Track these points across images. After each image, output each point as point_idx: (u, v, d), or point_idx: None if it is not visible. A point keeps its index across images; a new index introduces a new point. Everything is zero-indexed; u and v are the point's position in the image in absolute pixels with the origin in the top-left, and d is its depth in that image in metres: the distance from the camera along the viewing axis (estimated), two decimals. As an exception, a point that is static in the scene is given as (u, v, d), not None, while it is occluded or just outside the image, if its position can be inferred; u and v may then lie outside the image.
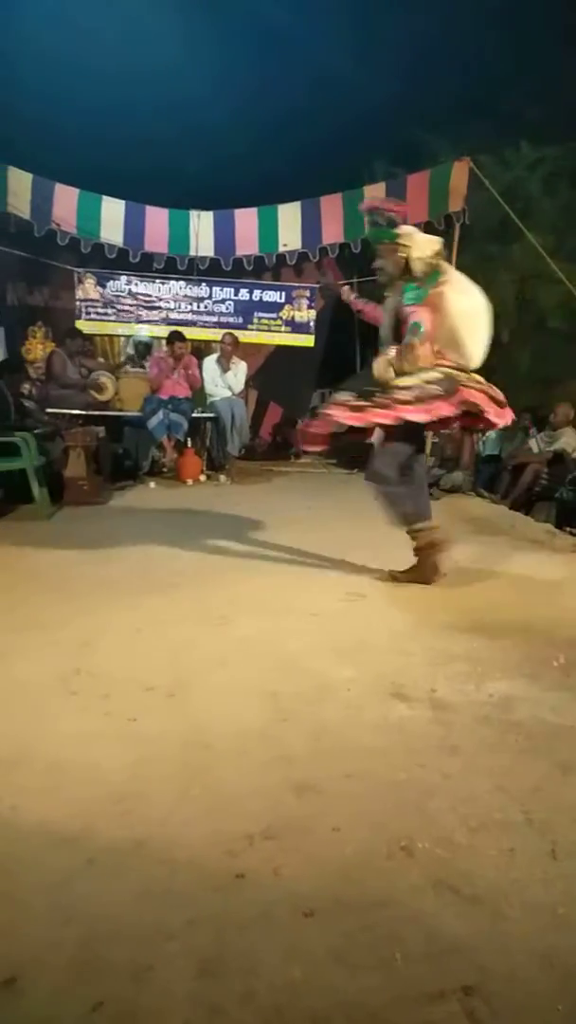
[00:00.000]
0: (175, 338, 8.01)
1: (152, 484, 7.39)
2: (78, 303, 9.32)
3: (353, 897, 1.45)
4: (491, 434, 8.02)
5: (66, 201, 8.60)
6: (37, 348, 8.92)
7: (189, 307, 9.60)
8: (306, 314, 9.84)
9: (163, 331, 9.09)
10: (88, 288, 9.34)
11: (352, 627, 3.04)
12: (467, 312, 3.59)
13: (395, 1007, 1.21)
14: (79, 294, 9.33)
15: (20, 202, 8.28)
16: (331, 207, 9.01)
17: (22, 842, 1.59)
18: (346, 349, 10.99)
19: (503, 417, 3.63)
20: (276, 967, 1.28)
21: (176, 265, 9.28)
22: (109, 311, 9.43)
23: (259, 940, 1.34)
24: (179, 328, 8.68)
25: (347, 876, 1.51)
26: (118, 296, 9.41)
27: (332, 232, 9.02)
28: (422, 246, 3.62)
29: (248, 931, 1.36)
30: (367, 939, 1.35)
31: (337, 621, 3.12)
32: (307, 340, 9.89)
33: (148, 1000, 1.21)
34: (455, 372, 3.54)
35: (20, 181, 8.28)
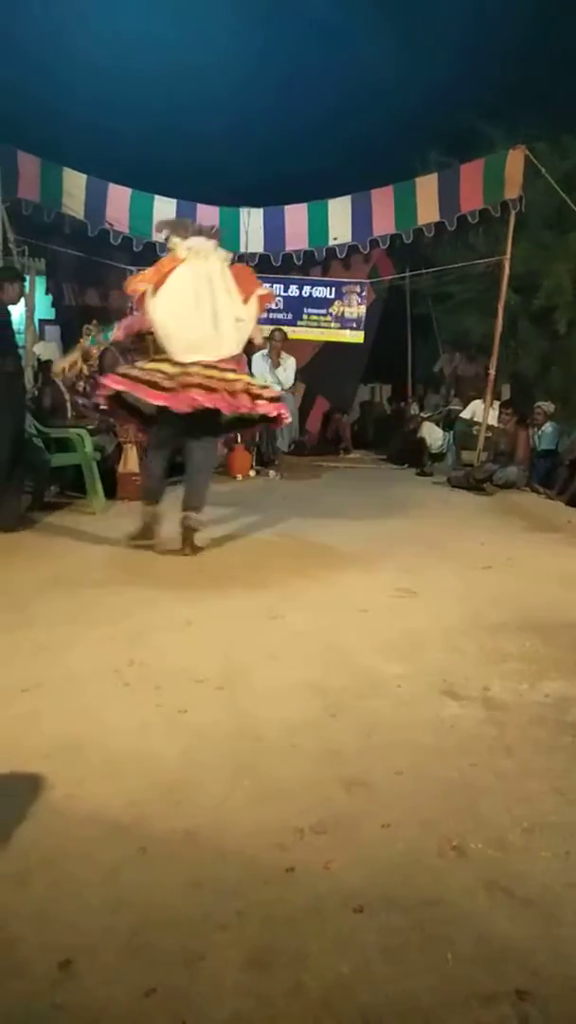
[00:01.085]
0: None
1: (202, 479, 7.45)
2: (131, 301, 9.46)
3: (403, 895, 1.44)
4: (547, 428, 7.84)
5: (119, 201, 8.72)
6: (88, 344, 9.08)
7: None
8: (356, 310, 9.77)
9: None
10: (140, 286, 9.48)
11: (403, 623, 3.01)
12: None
13: (446, 1008, 1.20)
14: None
15: (74, 203, 8.44)
16: (382, 199, 8.92)
17: (76, 830, 1.62)
18: (397, 343, 10.89)
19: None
20: (325, 961, 1.28)
21: (226, 262, 9.32)
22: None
23: (308, 934, 1.34)
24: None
25: (397, 873, 1.50)
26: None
27: (383, 224, 8.93)
28: None
29: (297, 924, 1.36)
30: (418, 938, 1.33)
31: (388, 617, 3.10)
32: (356, 336, 9.82)
33: (199, 988, 1.22)
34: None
35: (75, 182, 8.43)
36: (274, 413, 4.12)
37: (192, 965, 1.27)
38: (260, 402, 4.05)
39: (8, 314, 5.00)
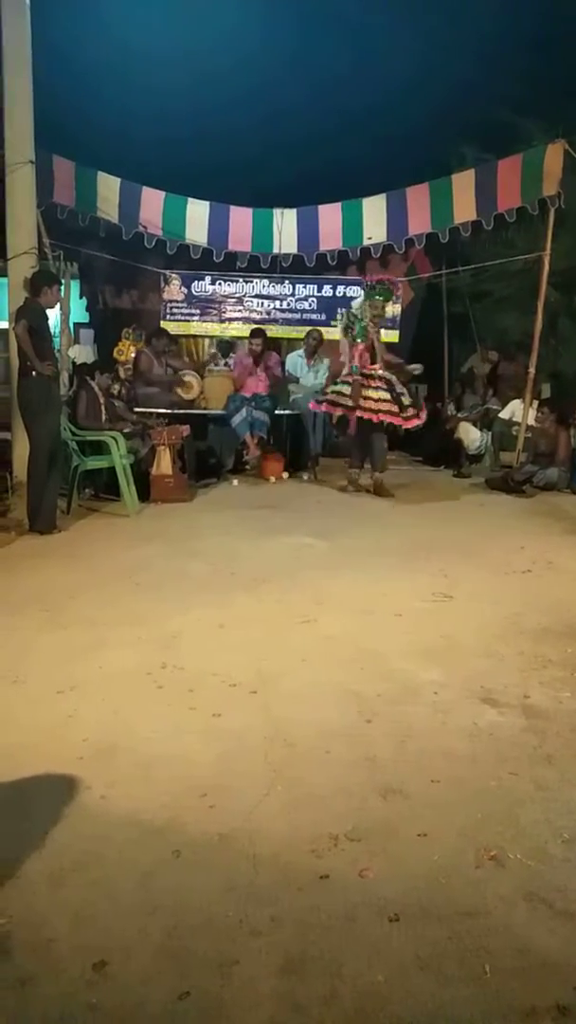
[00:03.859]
0: (254, 335, 8.07)
1: (235, 482, 7.46)
2: (163, 304, 9.53)
3: (440, 905, 1.42)
4: (588, 428, 7.67)
5: (153, 204, 8.78)
6: (129, 350, 9.16)
7: (272, 305, 9.65)
8: (391, 309, 9.68)
9: (246, 329, 9.17)
10: (173, 289, 9.53)
11: (439, 628, 2.97)
12: None
13: (484, 1021, 1.17)
14: (165, 295, 9.52)
15: (109, 206, 8.52)
16: (418, 197, 8.84)
17: (112, 831, 1.63)
18: (435, 343, 10.78)
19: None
20: (360, 970, 1.26)
21: (259, 263, 9.34)
22: (194, 311, 9.59)
23: (343, 942, 1.33)
24: (261, 326, 8.73)
25: (434, 883, 1.48)
26: (202, 296, 9.56)
27: (419, 222, 8.84)
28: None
29: (332, 932, 1.35)
30: (455, 948, 1.31)
31: (423, 621, 3.06)
32: (391, 336, 9.73)
33: (233, 993, 1.22)
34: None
35: (109, 186, 8.51)
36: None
37: (226, 969, 1.26)
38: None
39: (46, 318, 5.08)
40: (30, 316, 4.91)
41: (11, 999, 1.20)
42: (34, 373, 4.86)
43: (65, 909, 1.40)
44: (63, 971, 1.25)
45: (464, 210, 8.46)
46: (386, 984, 1.24)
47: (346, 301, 9.70)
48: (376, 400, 6.34)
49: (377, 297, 6.63)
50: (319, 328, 8.77)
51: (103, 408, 6.36)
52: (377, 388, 6.38)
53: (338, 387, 6.57)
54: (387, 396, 6.33)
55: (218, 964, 1.27)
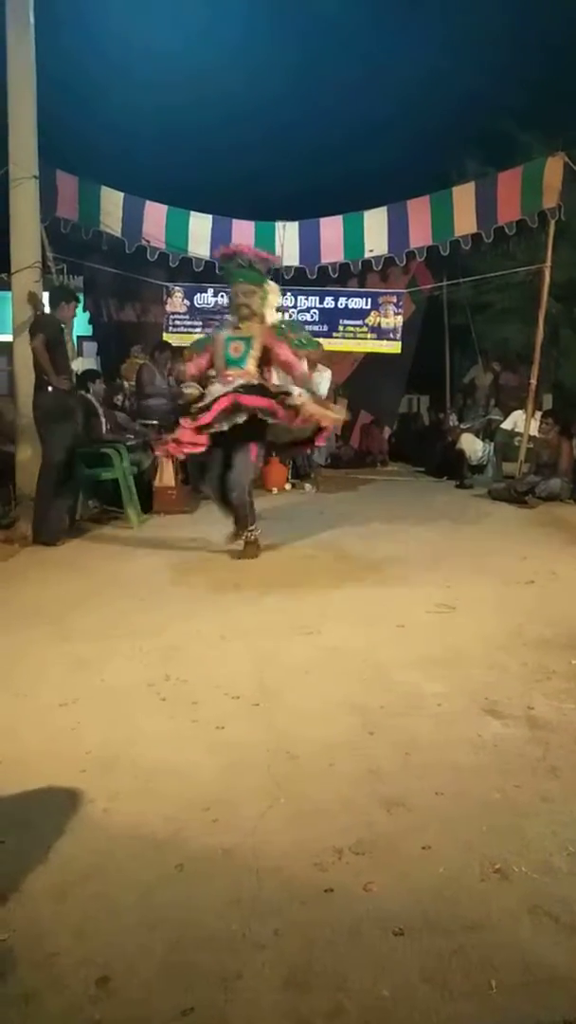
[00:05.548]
0: None
1: (238, 493, 7.48)
2: (166, 316, 9.58)
3: (445, 918, 1.41)
4: (591, 439, 7.68)
5: (155, 217, 8.86)
6: (135, 365, 9.22)
7: (274, 316, 9.70)
8: (392, 320, 9.72)
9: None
10: (176, 302, 9.59)
11: (442, 639, 2.97)
12: None
13: (490, 1037, 1.16)
14: (167, 307, 9.58)
15: (112, 220, 8.59)
16: (418, 210, 8.90)
17: (114, 845, 1.63)
18: (437, 355, 10.82)
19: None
20: (365, 984, 1.26)
21: (262, 276, 9.41)
22: (196, 323, 9.64)
23: (348, 956, 1.32)
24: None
25: (439, 896, 1.47)
26: (205, 308, 9.61)
27: (420, 235, 8.90)
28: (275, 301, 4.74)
29: (336, 946, 1.34)
30: (460, 963, 1.30)
31: (427, 633, 3.06)
32: (393, 347, 9.77)
33: (236, 1009, 1.21)
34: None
35: (112, 200, 8.59)
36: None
37: (229, 984, 1.25)
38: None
39: (63, 332, 5.11)
40: (47, 330, 4.95)
41: (14, 1015, 1.19)
42: (50, 388, 4.90)
43: (68, 923, 1.39)
44: (66, 986, 1.25)
45: (465, 223, 8.51)
46: (391, 999, 1.23)
47: (348, 313, 9.75)
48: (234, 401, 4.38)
49: (240, 280, 4.50)
50: (319, 340, 8.81)
51: (102, 418, 6.37)
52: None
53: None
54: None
55: (222, 978, 1.26)
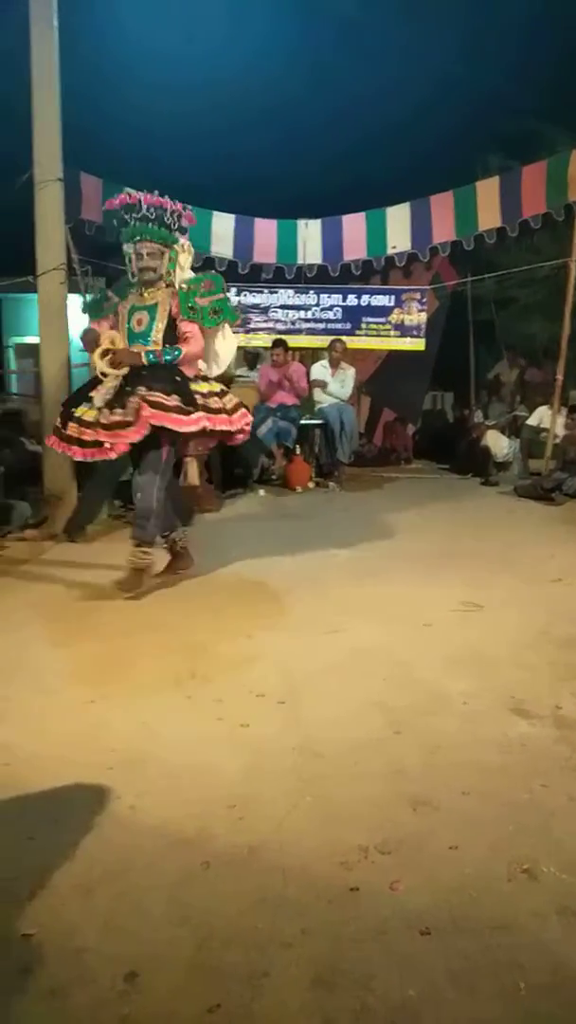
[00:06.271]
0: (275, 345, 8.13)
1: (262, 492, 7.49)
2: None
3: (472, 919, 1.40)
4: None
5: (178, 218, 8.92)
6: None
7: (297, 315, 9.69)
8: (416, 317, 9.66)
9: (271, 341, 9.24)
10: (200, 301, 9.64)
11: (468, 638, 2.94)
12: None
13: (519, 1040, 1.15)
14: (191, 308, 9.64)
15: (136, 222, 8.65)
16: (441, 205, 8.84)
17: (141, 841, 1.64)
18: (461, 351, 10.74)
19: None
20: (392, 984, 1.25)
21: (284, 274, 9.40)
22: (220, 323, 9.68)
23: (374, 955, 1.31)
24: (286, 336, 8.77)
25: (466, 896, 1.46)
26: (228, 308, 9.65)
27: (443, 231, 8.84)
28: (187, 263, 3.95)
29: (363, 945, 1.34)
30: (487, 964, 1.29)
31: (452, 631, 3.04)
32: (417, 344, 9.71)
33: (263, 1007, 1.21)
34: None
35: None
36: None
37: (256, 982, 1.26)
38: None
39: None
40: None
41: (43, 1008, 1.20)
42: None
43: (95, 919, 1.40)
44: (94, 981, 1.26)
45: (489, 217, 8.44)
46: (418, 999, 1.22)
47: (371, 310, 9.71)
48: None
49: (143, 238, 3.74)
50: (342, 338, 8.78)
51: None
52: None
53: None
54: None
55: (248, 976, 1.27)
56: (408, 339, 9.74)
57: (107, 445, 3.56)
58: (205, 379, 3.87)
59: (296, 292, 9.78)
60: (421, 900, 1.44)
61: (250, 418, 3.83)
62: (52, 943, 1.34)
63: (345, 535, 5.00)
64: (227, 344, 4.07)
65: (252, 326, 9.86)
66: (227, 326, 4.00)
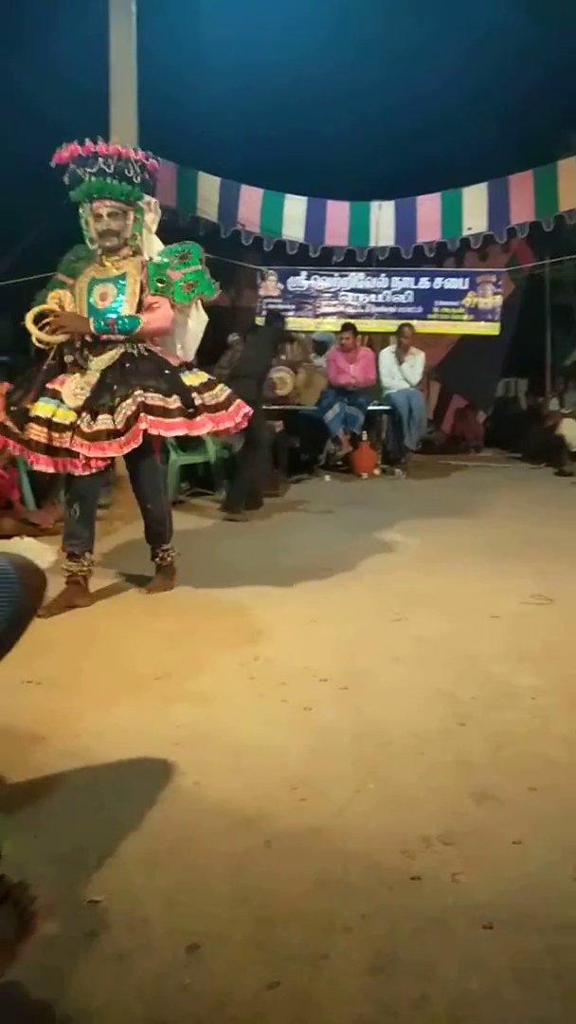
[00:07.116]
0: (344, 329, 8.07)
1: (327, 477, 7.48)
2: (260, 300, 9.64)
3: (536, 916, 1.37)
4: None
5: (251, 202, 8.92)
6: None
7: (367, 299, 9.59)
8: (491, 300, 9.41)
9: (340, 324, 9.17)
10: (269, 285, 9.63)
11: (537, 632, 2.87)
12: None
13: (582, 1042, 1.13)
14: (261, 291, 9.64)
15: (208, 206, 8.72)
16: (520, 185, 8.57)
17: (204, 818, 1.67)
18: (537, 336, 10.43)
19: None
20: (452, 975, 1.24)
21: (355, 257, 9.30)
22: (289, 307, 9.66)
23: (434, 945, 1.30)
24: (355, 320, 8.70)
25: (530, 893, 1.43)
26: (298, 291, 9.62)
27: (521, 211, 8.57)
28: (154, 223, 3.37)
29: (423, 934, 1.33)
30: (551, 963, 1.26)
31: (521, 624, 2.97)
32: (492, 328, 9.46)
33: (321, 988, 1.22)
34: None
35: (209, 185, 8.71)
36: None
37: (315, 963, 1.27)
38: None
39: None
40: None
41: (109, 972, 1.24)
42: None
43: (159, 891, 1.44)
44: (157, 950, 1.29)
45: (570, 197, 8.15)
46: (478, 992, 1.21)
47: (444, 293, 9.50)
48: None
49: (102, 194, 3.20)
50: (411, 323, 8.65)
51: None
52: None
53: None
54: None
55: (307, 957, 1.28)
56: (482, 323, 9.51)
57: (81, 458, 3.01)
58: (189, 367, 3.38)
59: (367, 275, 9.67)
60: (484, 894, 1.42)
61: (247, 409, 3.38)
62: (117, 911, 1.38)
63: (410, 523, 4.94)
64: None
65: (321, 310, 9.80)
66: (199, 303, 3.46)
